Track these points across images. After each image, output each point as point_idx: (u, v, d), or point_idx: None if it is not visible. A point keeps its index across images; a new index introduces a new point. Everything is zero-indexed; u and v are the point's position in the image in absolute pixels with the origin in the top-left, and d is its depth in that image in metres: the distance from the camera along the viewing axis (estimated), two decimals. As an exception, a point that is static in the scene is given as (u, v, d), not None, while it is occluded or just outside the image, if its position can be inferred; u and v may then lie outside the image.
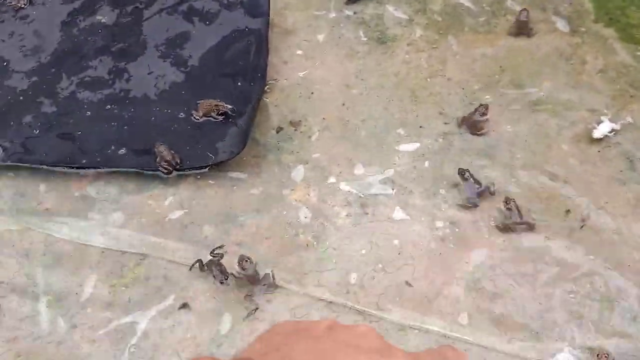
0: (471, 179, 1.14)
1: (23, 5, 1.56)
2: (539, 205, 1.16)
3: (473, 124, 1.28)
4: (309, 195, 1.22)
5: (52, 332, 1.04)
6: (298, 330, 0.59)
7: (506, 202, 1.12)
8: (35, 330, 1.05)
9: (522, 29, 1.46)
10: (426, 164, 1.25)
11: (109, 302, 1.07)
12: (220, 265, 1.06)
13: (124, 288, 1.09)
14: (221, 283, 1.05)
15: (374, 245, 1.13)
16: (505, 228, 1.12)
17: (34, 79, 1.43)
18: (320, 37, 1.51)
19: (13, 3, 1.56)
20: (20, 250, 1.16)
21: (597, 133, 1.24)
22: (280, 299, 1.07)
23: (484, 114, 1.26)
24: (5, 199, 1.24)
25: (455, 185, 1.20)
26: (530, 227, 1.12)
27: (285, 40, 1.51)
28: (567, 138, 1.26)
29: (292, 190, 1.23)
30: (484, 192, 1.15)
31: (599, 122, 1.25)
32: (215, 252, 1.09)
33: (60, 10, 1.56)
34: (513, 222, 1.11)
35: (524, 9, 1.46)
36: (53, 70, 1.44)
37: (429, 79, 1.40)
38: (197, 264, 1.08)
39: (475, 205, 1.15)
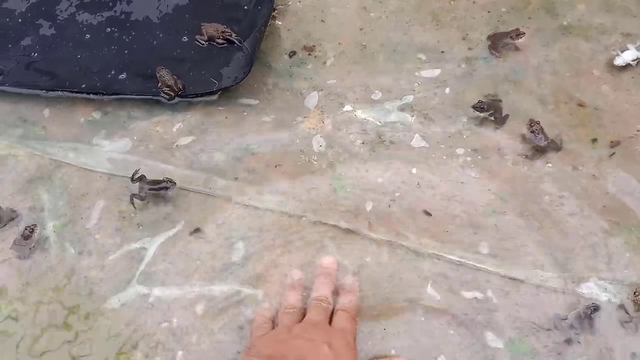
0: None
1: None
2: (567, 132, 1.10)
3: (498, 44, 1.21)
4: (323, 122, 1.16)
5: (61, 258, 1.01)
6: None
7: (530, 124, 1.06)
8: (44, 256, 1.01)
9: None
10: (447, 90, 1.18)
11: (117, 228, 1.04)
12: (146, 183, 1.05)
13: (132, 215, 1.05)
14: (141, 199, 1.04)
15: (391, 173, 1.08)
16: (530, 152, 1.07)
17: (33, 0, 1.35)
18: (337, -43, 1.41)
19: None
20: (25, 176, 1.11)
21: (619, 60, 1.16)
22: (294, 229, 1.03)
23: (516, 36, 1.18)
24: (9, 124, 1.19)
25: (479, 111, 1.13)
26: (557, 148, 1.06)
27: (299, -39, 1.42)
28: (599, 63, 1.18)
29: (306, 117, 1.17)
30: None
31: (624, 50, 1.17)
32: (134, 177, 1.06)
33: None
34: (538, 145, 1.06)
35: None
36: (53, -9, 1.36)
37: (452, 2, 1.32)
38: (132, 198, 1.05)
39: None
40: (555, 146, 1.07)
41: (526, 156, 1.07)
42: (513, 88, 1.17)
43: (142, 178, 1.06)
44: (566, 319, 0.90)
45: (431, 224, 1.02)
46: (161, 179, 1.05)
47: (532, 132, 1.07)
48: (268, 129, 1.16)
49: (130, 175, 1.06)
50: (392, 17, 1.31)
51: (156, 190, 1.05)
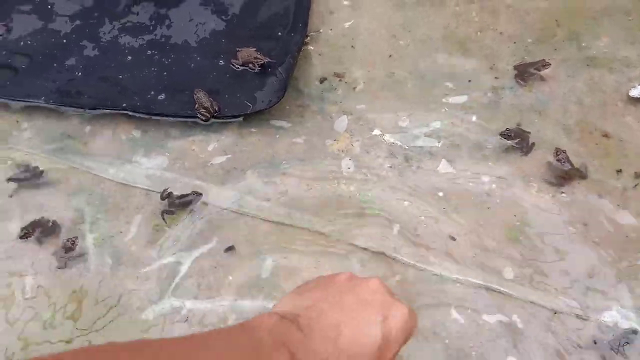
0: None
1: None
2: (591, 162, 1.12)
3: (524, 73, 1.24)
4: (352, 145, 1.20)
5: (99, 270, 1.06)
6: (326, 283, 0.68)
7: (557, 153, 1.09)
8: (83, 267, 1.06)
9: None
10: (474, 117, 1.22)
11: (153, 242, 1.08)
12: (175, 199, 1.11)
13: (167, 229, 1.09)
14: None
15: (417, 197, 1.11)
16: (556, 179, 1.09)
17: (77, 22, 1.42)
18: (367, -13, 1.46)
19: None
20: (67, 190, 1.17)
21: (635, 92, 1.19)
22: (321, 249, 1.06)
23: (542, 67, 1.22)
24: (53, 139, 1.25)
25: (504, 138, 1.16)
26: (583, 176, 1.09)
27: (331, -11, 1.47)
28: (623, 95, 1.21)
29: (336, 140, 1.21)
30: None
31: (640, 82, 1.20)
32: (163, 195, 1.12)
33: (104, -46, 1.54)
34: (564, 171, 1.08)
35: (583, -38, 1.39)
36: (96, 14, 1.43)
37: (479, 32, 1.36)
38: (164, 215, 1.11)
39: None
40: (580, 175, 1.10)
41: (551, 184, 1.10)
42: (539, 117, 1.20)
43: (170, 195, 1.11)
44: (596, 343, 0.92)
45: (456, 248, 1.04)
46: (189, 192, 1.11)
47: (558, 160, 1.09)
48: (299, 150, 1.20)
49: (160, 192, 1.11)
50: (420, 45, 1.35)
51: (182, 200, 1.10)
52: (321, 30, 1.40)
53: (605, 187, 1.09)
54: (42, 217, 1.11)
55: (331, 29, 1.41)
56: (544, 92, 1.24)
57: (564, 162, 1.09)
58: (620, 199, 1.07)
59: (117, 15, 1.42)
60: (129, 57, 1.35)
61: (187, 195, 1.12)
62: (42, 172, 1.18)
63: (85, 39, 1.39)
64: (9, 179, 1.17)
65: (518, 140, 1.15)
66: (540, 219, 1.06)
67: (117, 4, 1.44)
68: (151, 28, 1.40)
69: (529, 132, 1.16)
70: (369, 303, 0.64)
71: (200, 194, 1.12)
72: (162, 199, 1.11)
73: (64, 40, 1.39)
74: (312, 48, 1.37)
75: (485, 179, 1.13)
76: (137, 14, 1.42)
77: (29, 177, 1.18)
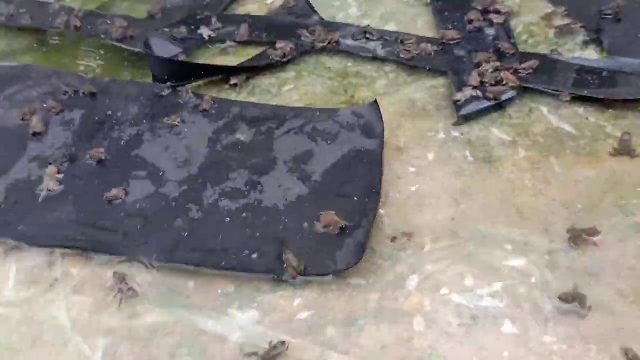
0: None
1: (177, 124, 1.86)
2: (647, 327, 1.21)
3: (577, 238, 1.38)
4: (422, 304, 1.34)
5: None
6: None
7: (626, 354, 1.18)
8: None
9: (625, 150, 1.56)
10: (533, 279, 1.35)
11: (248, 392, 1.23)
12: None
13: (263, 380, 1.24)
14: None
15: (484, 355, 1.22)
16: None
17: (184, 187, 1.69)
18: (430, 156, 1.68)
19: (169, 122, 1.87)
20: (171, 341, 1.35)
21: None
22: (397, 402, 1.17)
23: (593, 234, 1.35)
24: (159, 293, 1.46)
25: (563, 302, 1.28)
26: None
27: (399, 158, 1.69)
28: (673, 261, 1.32)
29: (407, 298, 1.36)
30: None
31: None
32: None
33: (207, 128, 1.85)
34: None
35: (627, 132, 1.57)
36: (200, 181, 1.70)
37: (533, 198, 1.52)
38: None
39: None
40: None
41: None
42: (594, 280, 1.32)
43: (255, 353, 1.28)
44: None
45: (523, 408, 1.13)
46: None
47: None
48: (374, 307, 1.35)
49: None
50: (479, 209, 1.52)
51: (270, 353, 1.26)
52: (390, 195, 1.61)
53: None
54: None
55: (399, 193, 1.61)
56: (597, 257, 1.36)
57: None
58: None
59: (218, 181, 1.68)
60: (228, 219, 1.58)
61: (274, 347, 1.27)
62: (152, 322, 1.38)
63: (191, 202, 1.64)
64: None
65: (575, 303, 1.26)
66: (601, 382, 1.15)
67: (218, 172, 1.71)
68: (246, 193, 1.64)
69: (586, 295, 1.28)
70: None
71: (285, 345, 1.27)
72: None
73: (173, 204, 1.65)
74: (382, 212, 1.56)
75: (547, 339, 1.23)
76: (235, 180, 1.68)
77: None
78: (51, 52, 2.34)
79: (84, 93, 2.01)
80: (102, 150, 1.80)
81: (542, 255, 1.39)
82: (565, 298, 1.26)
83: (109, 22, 2.35)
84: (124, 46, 2.24)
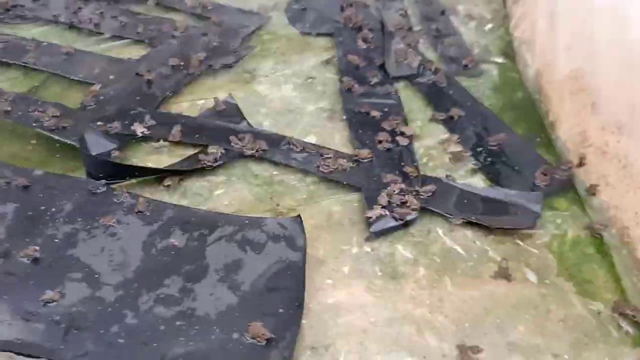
0: None
1: (112, 224, 1.98)
2: None
3: (465, 356, 1.67)
4: (339, 413, 1.56)
5: None
6: None
7: None
8: None
9: (502, 274, 1.91)
10: (431, 389, 1.61)
11: None
12: None
13: None
14: None
15: None
16: None
17: (120, 292, 1.80)
18: (345, 269, 1.93)
19: (105, 221, 1.98)
20: None
21: None
22: None
23: (475, 352, 1.65)
24: (95, 400, 1.56)
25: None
26: None
27: (318, 269, 1.92)
28: (537, 379, 1.65)
29: (325, 407, 1.57)
30: None
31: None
32: None
33: (142, 231, 1.98)
34: None
35: (504, 259, 1.92)
36: (135, 285, 1.82)
37: (429, 314, 1.81)
38: None
39: None
40: None
41: None
42: (476, 393, 1.60)
43: None
44: None
45: None
46: None
47: None
48: (296, 416, 1.54)
49: None
50: (386, 323, 1.78)
51: None
52: (311, 306, 1.83)
53: None
54: None
55: (318, 304, 1.83)
56: (479, 371, 1.66)
57: None
58: None
59: (153, 287, 1.81)
60: (162, 327, 1.71)
61: None
62: None
63: (126, 307, 1.76)
64: None
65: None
66: None
67: (152, 276, 1.84)
68: (179, 300, 1.79)
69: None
70: None
71: None
72: None
73: (109, 309, 1.75)
74: (304, 321, 1.78)
75: None
76: (169, 286, 1.82)
77: None
78: (-22, 136, 2.36)
79: (16, 185, 2.08)
80: (37, 248, 1.87)
81: (441, 368, 1.67)
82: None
83: (40, 109, 2.42)
84: (56, 137, 2.33)
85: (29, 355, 1.61)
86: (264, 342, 1.66)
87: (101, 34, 3.03)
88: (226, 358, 1.62)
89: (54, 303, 1.74)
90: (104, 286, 1.81)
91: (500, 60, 2.95)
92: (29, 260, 1.86)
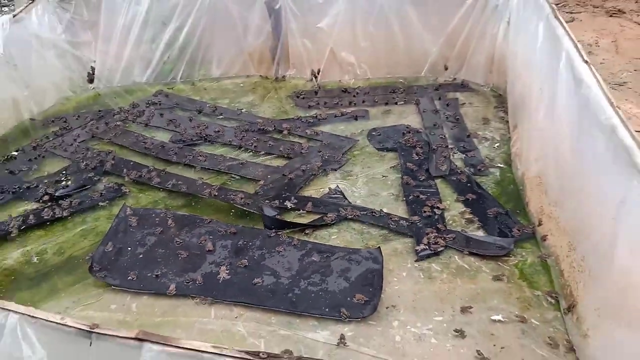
0: None
1: (281, 250, 3.85)
2: None
3: None
4: None
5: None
6: None
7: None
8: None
9: (495, 278, 3.58)
10: None
11: None
12: None
13: None
14: None
15: None
16: None
17: (290, 281, 3.62)
18: (404, 274, 3.67)
19: (278, 249, 3.85)
20: None
21: None
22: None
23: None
24: None
25: None
26: None
27: (389, 274, 3.66)
28: None
29: None
30: None
31: None
32: None
33: (296, 254, 3.82)
34: None
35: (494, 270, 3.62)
36: (297, 277, 3.64)
37: (448, 294, 3.48)
38: None
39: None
40: None
41: None
42: None
43: None
44: None
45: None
46: None
47: None
48: None
49: None
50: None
51: None
52: (386, 289, 3.55)
53: None
54: None
55: (389, 289, 3.56)
56: None
57: None
58: None
59: (305, 278, 3.63)
60: (312, 295, 3.50)
61: None
62: None
63: (294, 287, 3.57)
64: None
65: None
66: None
67: (304, 273, 3.66)
68: (319, 284, 3.58)
69: None
70: None
71: None
72: None
73: (286, 287, 3.57)
74: (382, 295, 3.50)
75: None
76: (314, 278, 3.63)
77: None
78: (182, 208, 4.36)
79: (229, 232, 4.01)
80: (245, 261, 3.76)
81: None
82: None
83: (233, 194, 4.41)
84: (245, 208, 4.28)
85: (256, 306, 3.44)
86: (363, 302, 3.40)
87: (259, 151, 5.08)
88: (346, 306, 3.37)
89: (259, 284, 3.58)
90: (281, 277, 3.64)
91: (502, 166, 4.72)
92: (242, 266, 3.73)
